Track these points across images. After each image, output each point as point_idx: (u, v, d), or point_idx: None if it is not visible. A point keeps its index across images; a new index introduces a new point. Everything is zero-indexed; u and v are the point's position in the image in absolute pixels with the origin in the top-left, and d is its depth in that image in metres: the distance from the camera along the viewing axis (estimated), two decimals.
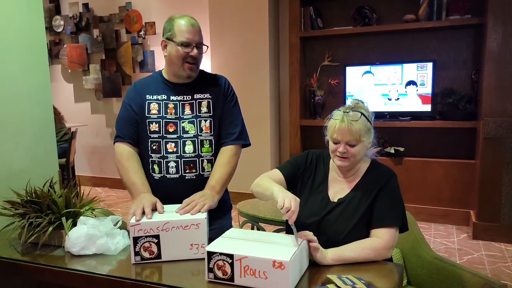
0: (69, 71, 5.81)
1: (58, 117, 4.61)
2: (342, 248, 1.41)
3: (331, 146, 1.56)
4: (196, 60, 1.73)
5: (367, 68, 4.13)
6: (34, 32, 2.15)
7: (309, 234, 1.36)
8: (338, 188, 1.60)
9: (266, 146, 4.53)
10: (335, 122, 1.52)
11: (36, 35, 2.16)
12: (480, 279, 1.58)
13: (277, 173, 1.66)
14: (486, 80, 3.48)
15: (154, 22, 5.21)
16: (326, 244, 1.42)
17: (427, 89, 3.92)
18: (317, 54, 4.51)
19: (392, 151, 4.02)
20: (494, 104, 3.45)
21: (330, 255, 1.38)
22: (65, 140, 4.62)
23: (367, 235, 1.50)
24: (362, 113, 1.52)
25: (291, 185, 1.66)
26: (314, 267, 1.35)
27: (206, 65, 4.60)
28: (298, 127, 4.45)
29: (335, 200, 1.57)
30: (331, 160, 1.65)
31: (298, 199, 1.37)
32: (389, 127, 4.05)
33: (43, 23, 2.21)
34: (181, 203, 1.56)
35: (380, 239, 1.45)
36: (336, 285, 1.19)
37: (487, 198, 3.54)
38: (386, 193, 1.52)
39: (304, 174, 1.67)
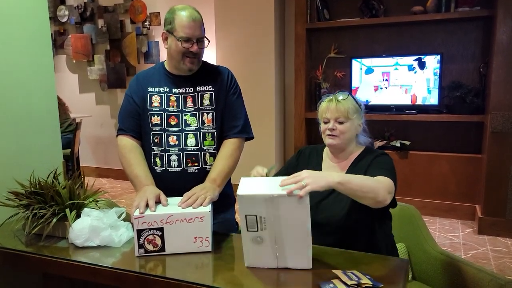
0: (74, 61, 5.80)
1: (62, 108, 4.62)
2: (348, 175, 1.43)
3: (322, 127, 1.65)
4: (197, 55, 1.70)
5: (373, 61, 4.09)
6: (38, 22, 2.13)
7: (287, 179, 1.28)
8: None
9: (271, 139, 4.52)
10: (324, 103, 1.65)
11: (40, 25, 2.14)
12: (486, 275, 1.57)
13: None
14: (494, 73, 3.43)
15: (159, 13, 5.18)
16: (326, 227, 1.45)
17: (435, 83, 3.88)
18: (323, 46, 4.47)
19: (398, 144, 4.00)
20: (502, 98, 3.41)
21: (336, 177, 1.31)
22: (69, 131, 4.63)
23: (366, 215, 1.52)
24: (349, 93, 1.65)
25: None
26: (319, 263, 1.34)
27: (211, 57, 4.57)
28: (303, 119, 4.42)
29: None
30: (325, 150, 1.72)
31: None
32: (395, 121, 4.02)
33: (47, 13, 2.19)
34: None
35: (381, 177, 1.45)
36: (342, 280, 1.18)
37: (493, 193, 3.52)
38: (377, 162, 1.56)
39: (296, 170, 1.67)
